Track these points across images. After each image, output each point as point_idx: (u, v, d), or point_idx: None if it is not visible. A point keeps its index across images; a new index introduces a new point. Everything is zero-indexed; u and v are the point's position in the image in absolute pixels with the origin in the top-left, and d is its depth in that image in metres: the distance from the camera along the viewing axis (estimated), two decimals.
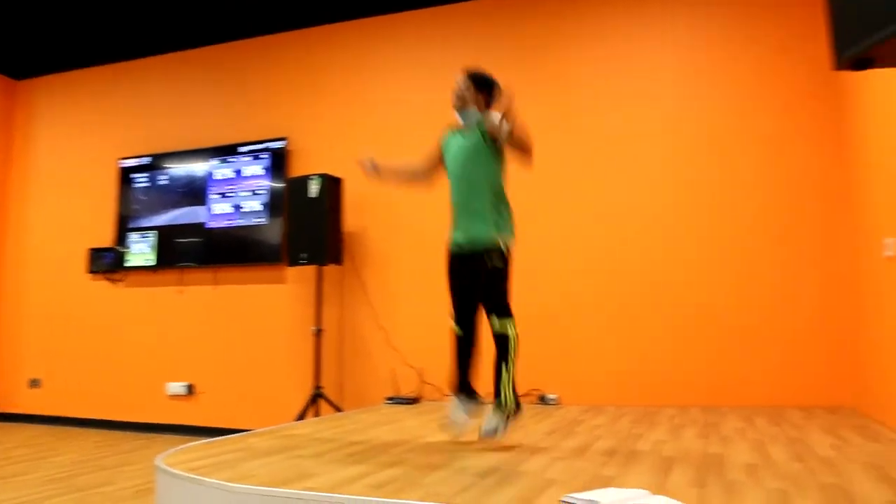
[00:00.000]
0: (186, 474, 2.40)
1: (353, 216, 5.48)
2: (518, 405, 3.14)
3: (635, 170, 4.83)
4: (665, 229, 4.71)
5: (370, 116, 5.62)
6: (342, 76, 5.77)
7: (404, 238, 5.36)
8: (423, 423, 3.90)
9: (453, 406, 3.27)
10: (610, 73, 4.99)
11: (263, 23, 5.97)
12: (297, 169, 5.69)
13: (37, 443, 5.31)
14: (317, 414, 5.06)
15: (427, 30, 5.55)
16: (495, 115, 3.18)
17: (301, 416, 4.96)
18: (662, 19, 4.91)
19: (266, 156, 5.81)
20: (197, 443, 3.20)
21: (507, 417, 3.09)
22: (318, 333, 5.18)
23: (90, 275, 6.47)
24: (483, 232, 3.20)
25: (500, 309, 3.18)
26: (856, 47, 1.51)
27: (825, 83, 4.49)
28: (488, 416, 3.11)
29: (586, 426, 3.70)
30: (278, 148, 5.77)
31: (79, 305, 6.49)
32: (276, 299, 5.68)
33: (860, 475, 2.34)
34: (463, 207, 3.29)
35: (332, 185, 5.23)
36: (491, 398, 3.15)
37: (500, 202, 3.27)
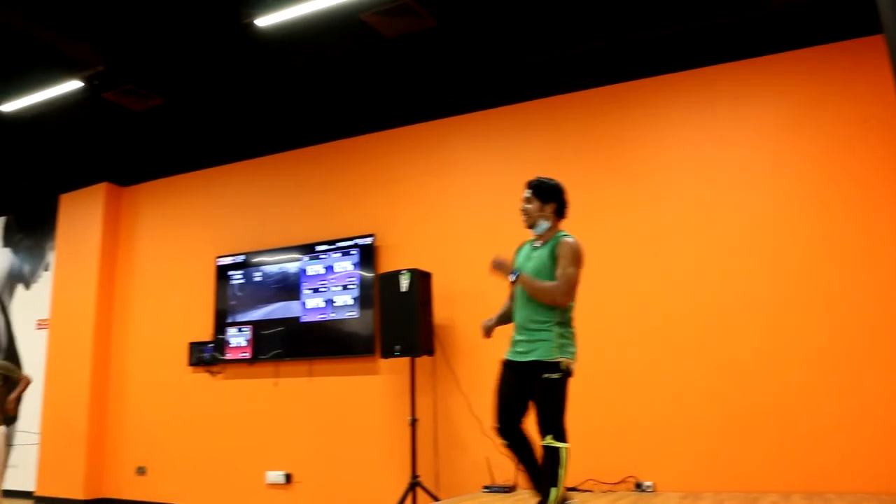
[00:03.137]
0: None
1: (443, 309, 5.70)
2: None
3: (732, 257, 4.94)
4: (764, 315, 4.75)
5: (452, 212, 5.89)
6: (423, 175, 6.09)
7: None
8: None
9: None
10: (688, 161, 5.17)
11: (344, 127, 6.42)
12: (385, 264, 5.98)
13: None
14: (414, 503, 5.20)
15: (497, 127, 5.85)
16: (568, 239, 3.23)
17: None
18: (738, 107, 5.08)
19: (355, 251, 6.13)
20: None
21: None
22: (414, 423, 5.37)
23: (191, 367, 6.85)
24: (539, 350, 3.16)
25: (551, 428, 3.10)
26: None
27: None
28: None
29: None
30: (366, 244, 6.09)
31: (181, 396, 6.86)
32: (369, 390, 5.92)
33: None
34: (522, 324, 3.27)
35: (422, 279, 5.49)
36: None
37: (561, 321, 3.21)
